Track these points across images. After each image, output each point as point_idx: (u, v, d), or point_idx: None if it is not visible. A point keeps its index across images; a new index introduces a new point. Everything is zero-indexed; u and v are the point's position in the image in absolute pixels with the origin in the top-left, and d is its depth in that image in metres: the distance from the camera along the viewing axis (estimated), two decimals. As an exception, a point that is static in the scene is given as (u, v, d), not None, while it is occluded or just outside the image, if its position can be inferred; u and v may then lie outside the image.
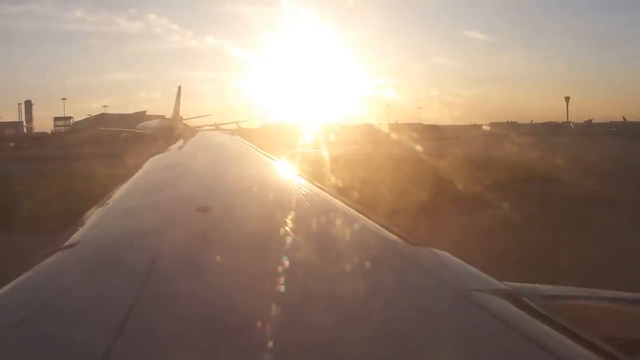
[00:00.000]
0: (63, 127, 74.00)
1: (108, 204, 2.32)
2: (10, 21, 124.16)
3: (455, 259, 1.43)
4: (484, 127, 57.34)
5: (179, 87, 54.19)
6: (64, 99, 76.49)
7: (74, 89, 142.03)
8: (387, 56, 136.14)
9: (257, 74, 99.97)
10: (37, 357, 0.95)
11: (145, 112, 76.71)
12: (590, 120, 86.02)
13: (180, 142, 6.23)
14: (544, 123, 77.67)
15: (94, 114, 76.73)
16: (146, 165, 3.79)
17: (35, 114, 77.92)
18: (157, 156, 4.44)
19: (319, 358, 0.98)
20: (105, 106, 77.86)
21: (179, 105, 50.79)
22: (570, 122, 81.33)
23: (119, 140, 46.83)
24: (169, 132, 47.29)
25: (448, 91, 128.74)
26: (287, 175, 3.28)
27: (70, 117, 76.66)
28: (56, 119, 76.69)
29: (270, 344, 0.97)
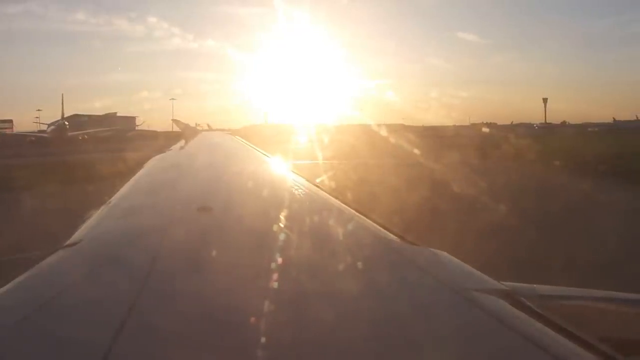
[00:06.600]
0: (6, 129, 73.65)
1: (110, 203, 2.31)
2: (9, 22, 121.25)
3: (454, 258, 1.43)
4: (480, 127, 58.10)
5: (62, 95, 61.48)
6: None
7: (74, 89, 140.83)
8: (378, 57, 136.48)
9: (255, 76, 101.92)
10: (38, 357, 0.95)
11: (115, 113, 77.27)
12: (564, 122, 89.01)
13: (181, 142, 6.27)
14: (517, 124, 79.51)
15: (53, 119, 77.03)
16: (147, 165, 3.81)
17: (36, 114, 76.95)
18: (159, 156, 4.47)
19: (318, 357, 0.98)
20: (38, 110, 78.57)
21: (62, 111, 56.61)
22: (534, 124, 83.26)
23: (25, 143, 48.31)
24: (62, 134, 49.93)
25: (442, 92, 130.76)
26: (288, 176, 3.30)
27: (10, 120, 77.43)
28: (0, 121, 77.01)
29: (270, 342, 0.97)
